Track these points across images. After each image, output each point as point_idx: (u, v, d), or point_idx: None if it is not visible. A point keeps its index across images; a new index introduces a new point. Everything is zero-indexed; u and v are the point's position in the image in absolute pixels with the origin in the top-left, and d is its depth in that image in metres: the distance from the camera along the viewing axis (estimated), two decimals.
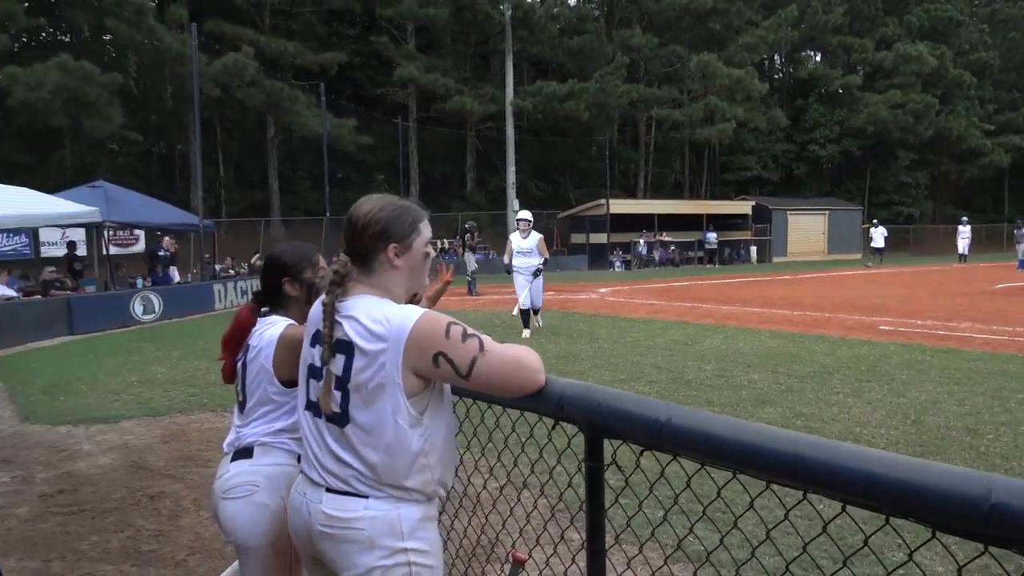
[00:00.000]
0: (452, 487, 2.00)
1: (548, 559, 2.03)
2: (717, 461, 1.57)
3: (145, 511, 4.72)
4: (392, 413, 1.78)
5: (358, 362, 1.79)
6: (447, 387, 1.93)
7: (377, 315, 1.80)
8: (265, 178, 36.73)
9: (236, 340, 2.46)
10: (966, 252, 32.88)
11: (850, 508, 1.33)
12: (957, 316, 13.24)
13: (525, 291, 11.85)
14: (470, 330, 1.80)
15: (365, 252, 1.90)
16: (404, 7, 35.06)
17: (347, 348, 1.82)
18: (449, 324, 1.78)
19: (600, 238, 34.03)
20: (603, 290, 21.07)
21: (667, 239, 35.51)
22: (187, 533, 4.37)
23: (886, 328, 11.87)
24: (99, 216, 14.95)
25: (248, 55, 29.18)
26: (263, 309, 2.49)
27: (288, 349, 2.26)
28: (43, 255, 21.18)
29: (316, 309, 1.94)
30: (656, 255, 34.69)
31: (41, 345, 12.54)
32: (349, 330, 1.82)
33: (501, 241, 36.06)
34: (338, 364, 1.83)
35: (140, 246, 23.34)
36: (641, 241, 34.34)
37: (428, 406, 1.85)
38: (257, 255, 24.93)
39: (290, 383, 2.28)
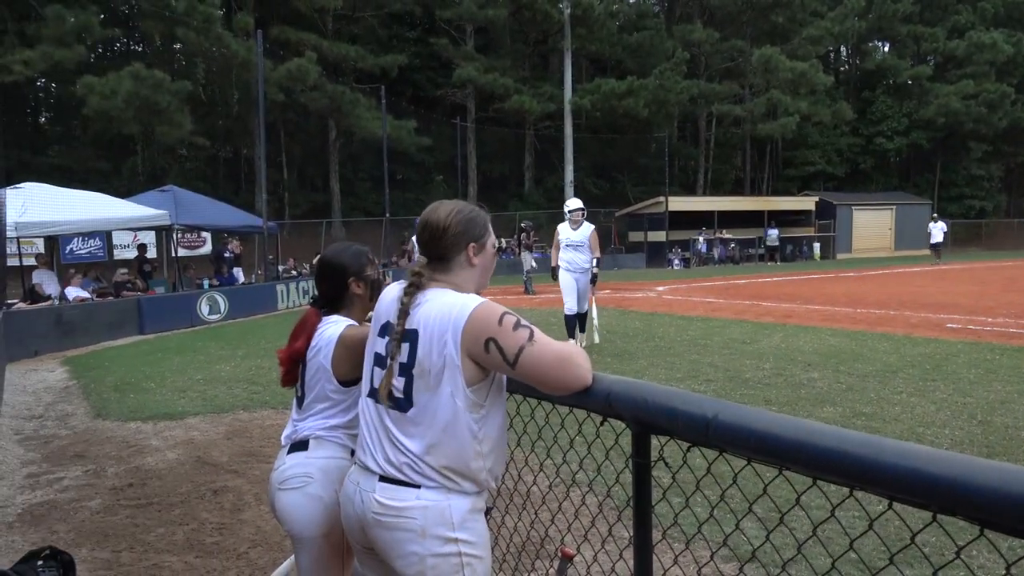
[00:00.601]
0: (503, 483, 2.03)
1: (596, 555, 2.04)
2: (763, 457, 1.56)
3: (209, 505, 4.87)
4: (451, 394, 1.87)
5: (423, 347, 1.89)
6: (504, 380, 1.98)
7: (443, 304, 1.91)
8: (327, 180, 37.42)
9: (295, 337, 2.52)
10: None
11: (898, 506, 1.32)
12: None
13: (573, 293, 10.08)
14: (524, 321, 1.87)
15: (445, 252, 2.01)
16: (463, 8, 35.29)
17: (413, 336, 1.92)
18: (504, 313, 1.87)
19: (659, 236, 33.71)
20: (661, 288, 20.89)
21: (727, 236, 34.98)
22: (248, 526, 4.50)
23: (954, 326, 11.51)
24: (168, 219, 15.45)
25: (311, 60, 29.75)
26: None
27: (347, 349, 2.34)
28: (116, 257, 21.99)
29: (387, 303, 2.06)
30: (716, 253, 34.20)
31: (113, 344, 13.01)
32: (417, 320, 1.92)
33: None
34: (403, 351, 1.93)
35: (207, 248, 24.03)
36: (700, 239, 33.90)
37: (488, 396, 1.93)
38: (318, 256, 25.40)
39: (347, 382, 2.37)
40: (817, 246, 36.77)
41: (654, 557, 1.83)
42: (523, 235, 20.89)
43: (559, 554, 2.13)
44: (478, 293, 2.06)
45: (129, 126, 27.52)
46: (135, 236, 21.77)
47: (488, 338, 1.84)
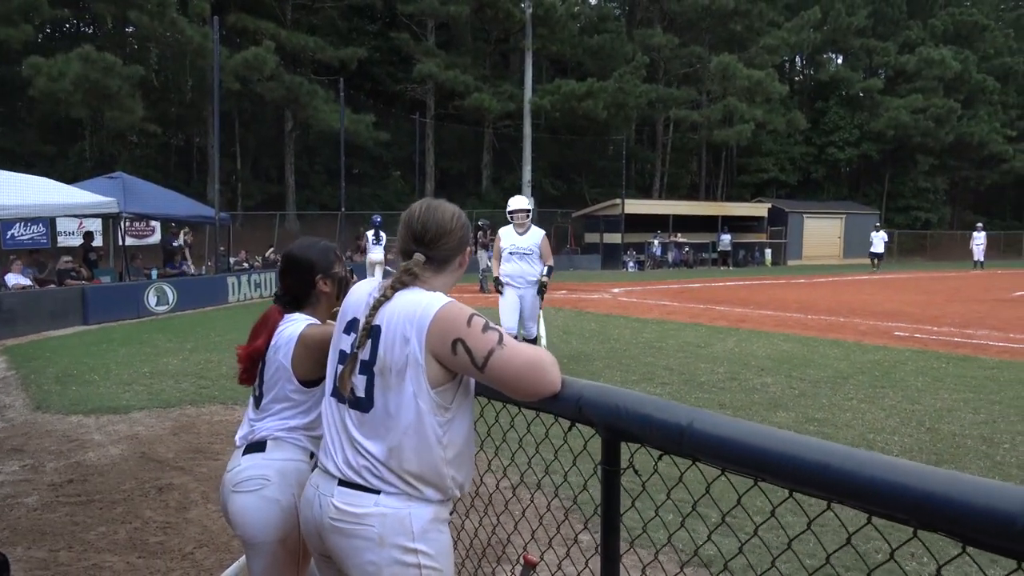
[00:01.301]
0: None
1: (560, 562, 1.99)
2: (739, 468, 1.53)
3: (153, 503, 4.72)
4: (414, 394, 1.80)
5: (384, 344, 1.83)
6: (472, 384, 1.92)
7: (409, 301, 1.86)
8: (282, 172, 36.83)
9: (256, 336, 2.41)
10: (982, 259, 32.59)
11: (876, 520, 1.30)
12: (974, 323, 13.10)
13: (515, 312, 8.51)
14: (492, 324, 1.80)
15: (447, 255, 1.97)
16: (425, 3, 35.01)
17: (376, 332, 1.86)
18: (472, 314, 1.82)
19: (614, 238, 33.91)
20: (616, 290, 21.00)
21: (681, 240, 35.35)
22: (195, 526, 4.36)
23: (901, 334, 11.76)
24: (116, 207, 15.04)
25: (269, 49, 29.21)
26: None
27: (307, 349, 2.26)
28: (60, 244, 21.29)
29: (355, 299, 2.00)
30: (670, 256, 34.54)
31: (55, 334, 12.62)
32: (381, 316, 1.87)
33: None
34: (366, 349, 1.87)
35: (156, 238, 23.44)
36: (655, 242, 34.20)
37: (454, 399, 1.87)
38: (271, 248, 24.98)
39: (308, 382, 2.29)
40: (769, 252, 37.38)
41: (621, 566, 1.78)
42: (480, 234, 20.79)
43: (522, 561, 2.08)
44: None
45: (77, 110, 26.66)
46: (80, 223, 21.10)
47: (456, 339, 1.78)
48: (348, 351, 1.92)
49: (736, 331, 12.00)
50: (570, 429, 1.91)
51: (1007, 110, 47.83)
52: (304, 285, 2.43)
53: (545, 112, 37.46)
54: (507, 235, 8.58)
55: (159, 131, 31.34)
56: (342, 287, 2.39)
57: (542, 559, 2.05)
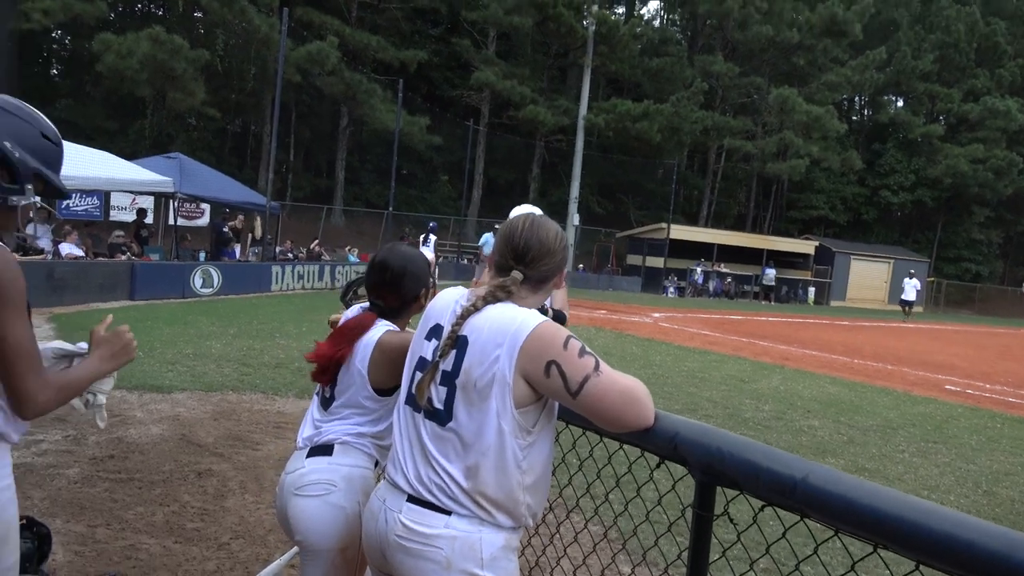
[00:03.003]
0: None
1: None
2: (856, 531, 1.42)
3: (192, 487, 4.68)
4: (497, 415, 1.71)
5: (471, 357, 1.74)
6: (555, 408, 1.83)
7: (502, 315, 1.76)
8: (332, 166, 37.20)
9: (349, 340, 2.28)
10: None
11: None
12: None
13: None
14: (588, 348, 1.71)
15: (546, 275, 1.89)
16: (489, 12, 35.21)
17: (463, 343, 1.77)
18: (569, 336, 1.72)
19: (657, 262, 33.66)
20: (656, 315, 20.77)
21: (724, 270, 34.96)
22: (232, 515, 4.31)
23: (952, 388, 11.43)
24: (172, 186, 15.23)
25: (332, 44, 29.54)
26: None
27: (384, 355, 2.18)
28: (112, 218, 21.67)
29: (441, 306, 1.91)
30: (711, 285, 34.17)
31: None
32: (470, 326, 1.78)
33: None
34: (449, 359, 1.78)
35: (205, 219, 23.75)
36: (698, 269, 33.86)
37: (538, 422, 1.77)
38: (316, 241, 25.16)
39: (383, 391, 2.20)
40: (812, 290, 36.80)
41: None
42: None
43: None
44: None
45: (142, 88, 27.22)
46: (134, 200, 21.47)
47: (551, 360, 1.68)
48: (429, 358, 1.84)
49: (781, 368, 11.75)
50: (658, 466, 1.80)
51: None
52: (407, 299, 2.34)
53: (598, 130, 37.40)
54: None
55: (218, 115, 31.80)
56: (427, 298, 2.30)
57: None
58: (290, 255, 21.88)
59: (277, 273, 18.23)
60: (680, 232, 34.46)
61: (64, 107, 31.99)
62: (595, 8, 36.27)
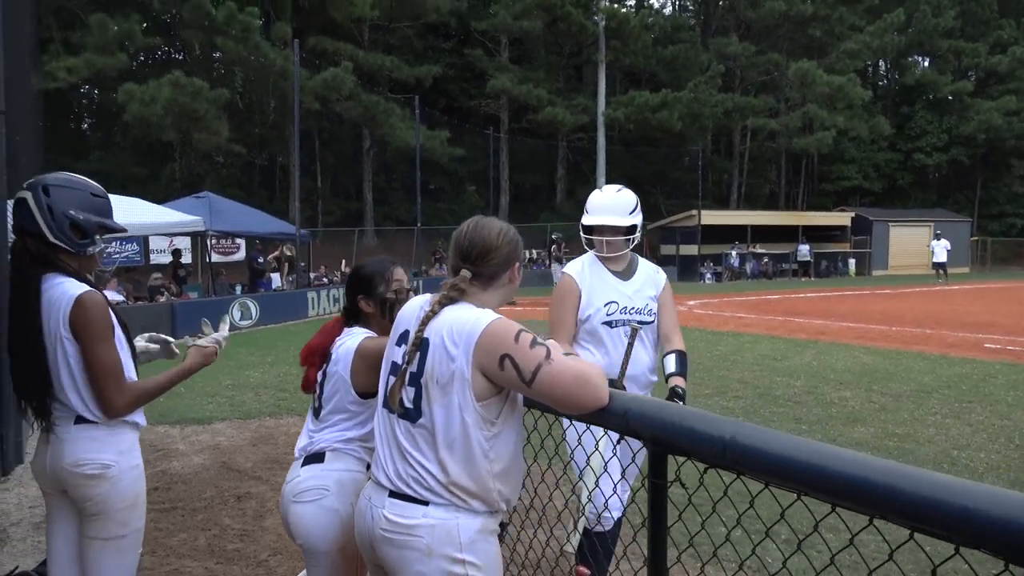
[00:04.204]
0: (520, 499, 2.00)
1: (611, 573, 2.00)
2: (781, 482, 1.53)
3: (232, 511, 4.90)
4: (460, 409, 1.84)
5: (431, 357, 1.88)
6: (520, 399, 1.96)
7: (458, 316, 1.90)
8: (360, 189, 37.73)
9: (319, 352, 2.55)
10: None
11: (920, 536, 1.27)
12: None
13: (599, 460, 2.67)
14: (539, 339, 1.84)
15: (495, 271, 2.00)
16: (498, 20, 35.47)
17: (426, 345, 1.91)
18: (520, 330, 1.85)
19: (691, 250, 33.43)
20: (691, 303, 20.71)
21: (760, 251, 34.61)
22: (270, 534, 4.51)
23: (992, 346, 11.26)
24: (203, 225, 15.67)
25: (347, 69, 30.08)
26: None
27: (364, 360, 2.34)
28: (152, 262, 22.31)
29: (409, 312, 2.05)
30: (748, 267, 33.84)
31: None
32: (431, 329, 1.91)
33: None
34: (415, 361, 1.92)
35: (241, 254, 24.31)
36: (733, 253, 33.58)
37: (500, 413, 1.90)
38: (345, 263, 25.59)
39: (367, 394, 2.36)
40: (852, 262, 36.22)
41: None
42: (554, 247, 20.78)
43: (575, 573, 2.10)
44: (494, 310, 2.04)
45: (168, 133, 28.00)
46: (171, 242, 22.10)
47: (504, 354, 1.82)
48: (399, 362, 1.98)
49: (815, 343, 11.69)
50: (619, 443, 1.92)
51: None
52: (352, 302, 2.57)
53: (619, 124, 37.36)
54: (587, 277, 3.63)
55: (243, 151, 32.52)
56: (386, 308, 2.46)
57: (594, 572, 2.06)
58: (324, 279, 22.28)
59: (312, 299, 18.59)
60: (711, 217, 34.20)
61: (96, 159, 32.94)
62: (603, 3, 36.30)
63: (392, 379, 1.99)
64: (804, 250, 33.99)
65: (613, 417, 1.86)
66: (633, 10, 41.83)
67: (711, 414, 1.69)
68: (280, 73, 29.31)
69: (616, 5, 40.44)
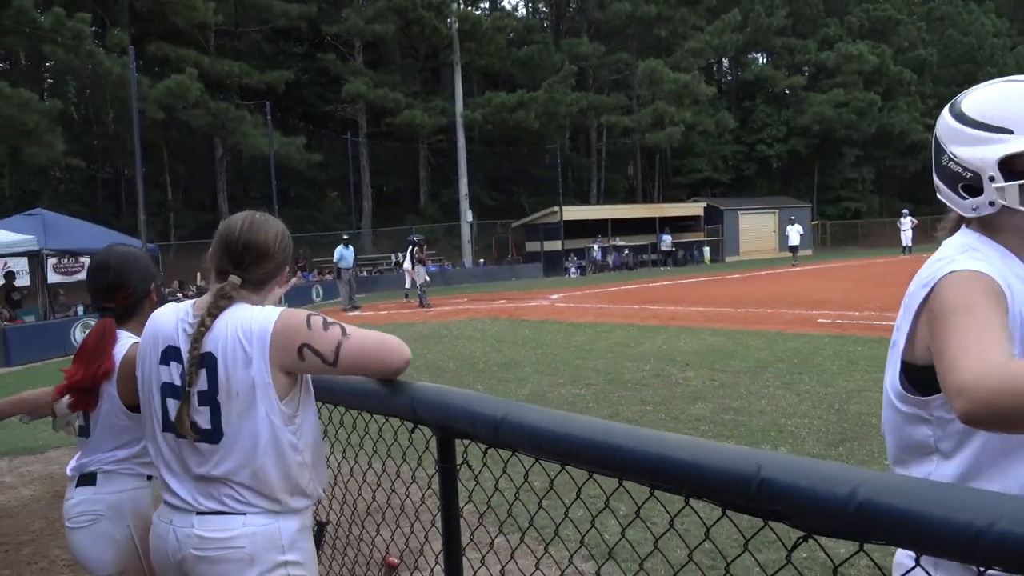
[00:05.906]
0: (333, 495, 2.01)
1: (416, 560, 2.04)
2: (546, 455, 1.60)
3: (62, 541, 4.61)
4: (267, 414, 1.77)
5: (223, 371, 1.77)
6: (309, 380, 1.93)
7: (240, 321, 1.80)
8: (215, 199, 36.31)
9: (103, 351, 2.22)
10: (910, 244, 33.56)
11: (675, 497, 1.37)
12: (893, 307, 13.38)
13: None
14: (331, 319, 1.82)
15: (267, 276, 1.92)
16: (350, 23, 35.04)
17: (211, 361, 1.79)
18: (309, 316, 1.81)
19: (555, 245, 34.21)
20: (554, 296, 21.17)
21: (621, 243, 35.81)
22: None
23: (824, 321, 12.11)
24: (36, 244, 14.68)
25: (192, 77, 28.84)
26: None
27: (133, 369, 2.07)
28: None
29: (164, 326, 1.89)
30: (610, 260, 34.96)
31: None
32: (210, 342, 1.79)
33: (456, 253, 36.15)
34: (201, 380, 1.79)
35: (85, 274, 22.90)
36: (595, 247, 34.58)
37: (299, 403, 1.86)
38: (201, 277, 24.59)
39: (134, 407, 2.14)
40: (707, 250, 38.08)
41: (465, 556, 1.85)
42: (415, 249, 20.70)
43: (384, 564, 2.12)
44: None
45: None
46: (5, 264, 20.53)
47: (301, 345, 1.76)
48: (176, 383, 1.83)
49: (666, 329, 12.21)
50: (413, 431, 1.95)
51: (924, 100, 49.55)
52: (141, 296, 2.32)
53: (478, 125, 37.70)
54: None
55: (83, 165, 30.63)
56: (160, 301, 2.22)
57: (402, 560, 2.10)
58: (179, 295, 21.32)
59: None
60: (572, 213, 35.11)
61: None
62: (456, 6, 36.52)
63: (171, 402, 1.84)
64: (667, 240, 35.48)
65: (402, 406, 1.89)
66: (486, 12, 42.34)
67: (487, 396, 1.76)
68: (118, 82, 27.77)
69: (470, 8, 40.84)
